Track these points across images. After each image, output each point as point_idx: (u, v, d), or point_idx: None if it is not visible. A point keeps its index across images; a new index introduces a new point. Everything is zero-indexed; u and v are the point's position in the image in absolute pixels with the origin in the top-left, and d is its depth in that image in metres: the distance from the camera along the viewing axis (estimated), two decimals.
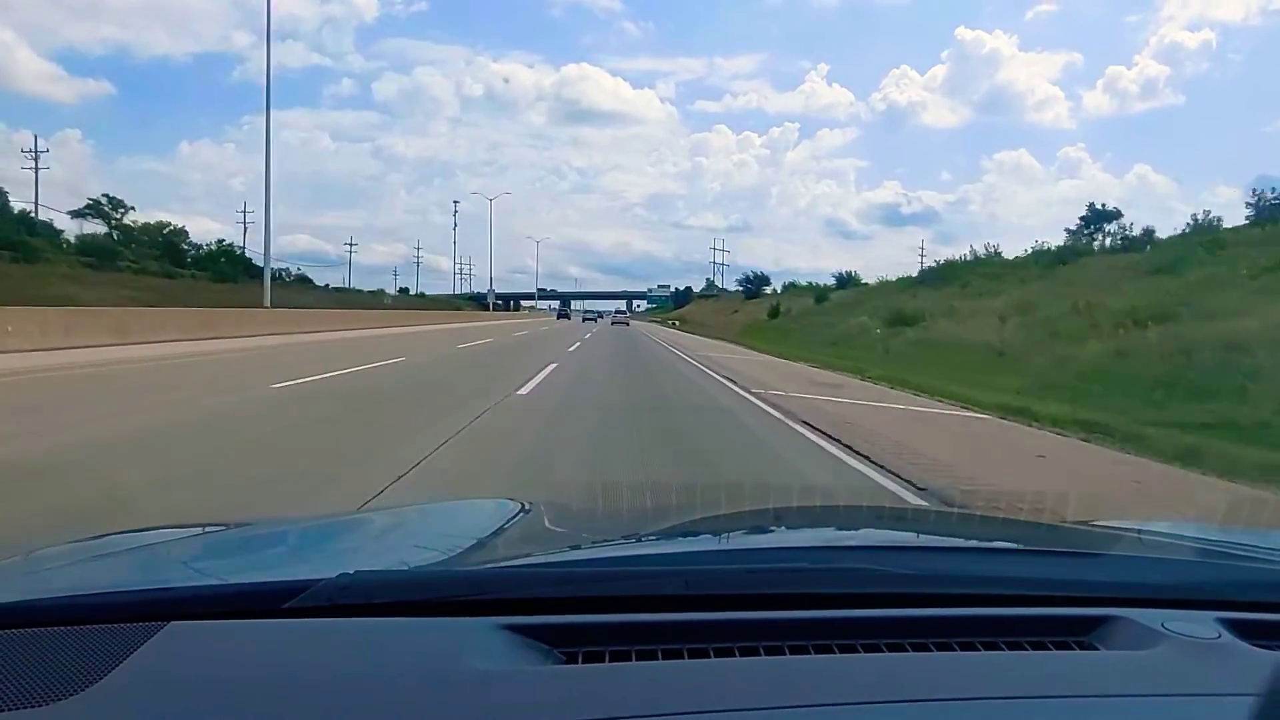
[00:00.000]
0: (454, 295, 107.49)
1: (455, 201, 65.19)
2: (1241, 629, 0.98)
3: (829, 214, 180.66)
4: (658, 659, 0.87)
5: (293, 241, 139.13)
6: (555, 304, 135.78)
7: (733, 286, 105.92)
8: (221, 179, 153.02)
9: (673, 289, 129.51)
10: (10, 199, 50.98)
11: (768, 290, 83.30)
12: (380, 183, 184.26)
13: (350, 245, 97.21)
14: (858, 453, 6.92)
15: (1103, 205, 38.66)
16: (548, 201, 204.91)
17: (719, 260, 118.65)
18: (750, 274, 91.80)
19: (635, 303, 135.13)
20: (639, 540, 1.45)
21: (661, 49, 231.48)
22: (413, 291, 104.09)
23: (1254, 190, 31.00)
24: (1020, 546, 1.57)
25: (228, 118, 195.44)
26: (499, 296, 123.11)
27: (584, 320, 78.97)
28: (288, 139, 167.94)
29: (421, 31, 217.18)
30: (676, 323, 75.03)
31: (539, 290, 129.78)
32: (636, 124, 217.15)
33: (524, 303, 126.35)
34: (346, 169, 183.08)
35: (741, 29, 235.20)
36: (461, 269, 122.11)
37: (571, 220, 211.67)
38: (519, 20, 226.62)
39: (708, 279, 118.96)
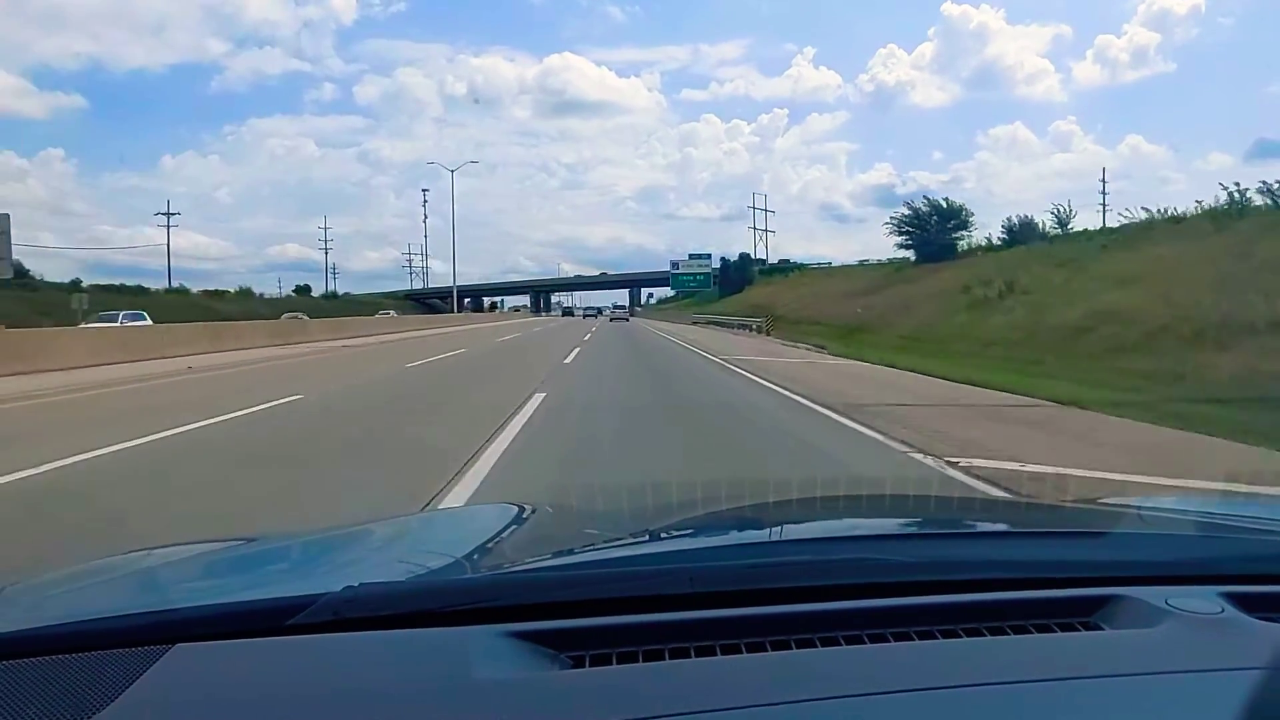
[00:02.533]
0: (396, 293, 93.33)
1: (424, 190, 56.60)
2: (1245, 603, 0.99)
3: (822, 198, 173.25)
4: (665, 659, 0.87)
5: (283, 250, 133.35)
6: (522, 300, 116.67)
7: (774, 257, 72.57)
8: (207, 191, 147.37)
9: (718, 262, 75.98)
10: None
11: (969, 241, 39.20)
12: (366, 187, 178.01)
13: (167, 217, 66.89)
14: None
15: None
16: (538, 199, 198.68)
17: (759, 225, 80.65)
18: (931, 205, 41.44)
19: (647, 292, 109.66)
20: (641, 539, 1.44)
21: (646, 37, 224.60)
22: (326, 289, 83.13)
23: None
24: (1022, 529, 1.57)
25: (209, 128, 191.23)
26: (451, 293, 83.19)
27: (584, 317, 69.82)
28: (272, 147, 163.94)
29: (401, 31, 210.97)
30: (766, 322, 37.17)
31: (484, 285, 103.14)
32: (624, 114, 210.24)
33: (508, 301, 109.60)
34: (332, 174, 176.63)
35: (725, 12, 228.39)
36: (411, 263, 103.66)
37: (563, 217, 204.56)
38: (499, 12, 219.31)
39: (742, 254, 78.45)
